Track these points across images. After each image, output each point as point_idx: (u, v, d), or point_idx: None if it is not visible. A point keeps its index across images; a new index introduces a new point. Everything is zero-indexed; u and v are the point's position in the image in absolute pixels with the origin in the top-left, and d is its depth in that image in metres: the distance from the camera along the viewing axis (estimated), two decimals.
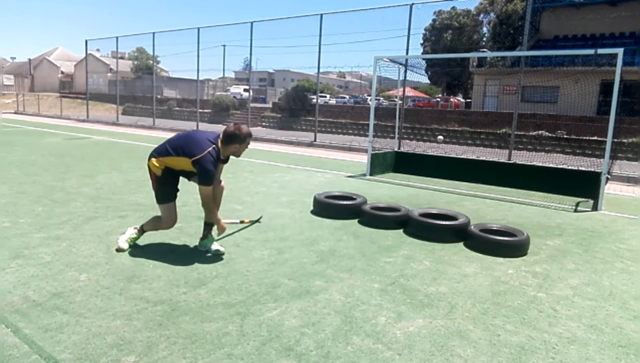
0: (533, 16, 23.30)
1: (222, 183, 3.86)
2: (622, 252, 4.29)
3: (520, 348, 2.41)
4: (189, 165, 3.44)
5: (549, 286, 3.32)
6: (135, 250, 3.69)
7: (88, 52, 28.26)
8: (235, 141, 3.49)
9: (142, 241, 3.87)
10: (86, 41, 27.11)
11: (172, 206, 3.66)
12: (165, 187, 3.62)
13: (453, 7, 35.75)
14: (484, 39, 35.92)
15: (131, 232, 3.76)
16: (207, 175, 3.39)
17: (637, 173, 10.27)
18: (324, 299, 2.91)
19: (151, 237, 4.02)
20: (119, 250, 3.64)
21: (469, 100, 29.27)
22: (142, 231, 3.78)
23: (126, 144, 12.91)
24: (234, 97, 31.11)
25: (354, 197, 5.39)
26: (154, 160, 3.56)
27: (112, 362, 2.13)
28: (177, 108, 30.29)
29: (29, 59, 56.97)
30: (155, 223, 3.76)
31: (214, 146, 3.45)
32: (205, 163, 3.37)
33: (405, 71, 12.17)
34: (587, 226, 5.29)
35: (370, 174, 8.55)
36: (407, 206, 5.18)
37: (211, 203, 3.55)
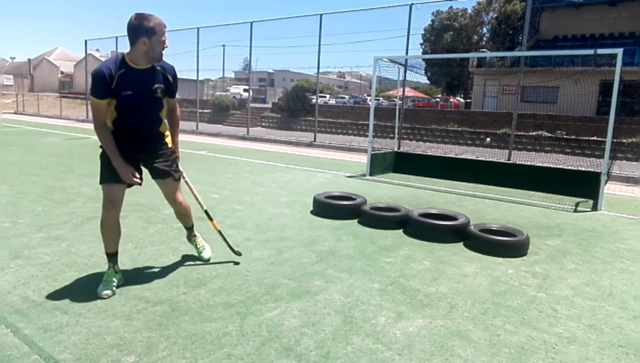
0: (532, 16, 23.29)
1: (182, 201, 3.16)
2: (621, 252, 4.29)
3: (520, 348, 2.41)
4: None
5: (548, 286, 3.32)
6: (135, 250, 3.69)
7: (87, 52, 28.21)
8: (140, 33, 2.64)
9: (142, 242, 3.87)
10: (86, 41, 27.16)
11: (116, 188, 2.82)
12: (106, 163, 2.82)
13: (451, 7, 35.76)
14: (484, 39, 35.94)
15: (105, 275, 2.91)
16: (92, 81, 2.64)
17: (637, 173, 10.27)
18: (324, 299, 2.91)
19: (151, 237, 4.03)
20: (105, 296, 2.77)
21: (469, 100, 29.30)
22: (110, 256, 2.95)
23: None
24: (234, 97, 31.12)
25: (354, 197, 5.39)
26: None
27: (112, 362, 2.13)
28: None
29: (29, 59, 56.92)
30: (105, 228, 2.88)
31: (117, 54, 2.75)
32: (95, 69, 2.66)
33: (405, 71, 12.17)
34: (587, 226, 5.29)
35: (370, 175, 8.55)
36: (407, 206, 5.18)
37: (99, 127, 2.71)
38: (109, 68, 2.64)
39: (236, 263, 3.48)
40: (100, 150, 2.84)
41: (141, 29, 2.64)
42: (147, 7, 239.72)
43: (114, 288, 2.83)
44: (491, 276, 3.47)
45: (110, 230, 2.89)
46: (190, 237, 3.54)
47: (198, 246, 3.52)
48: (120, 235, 2.98)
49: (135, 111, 2.81)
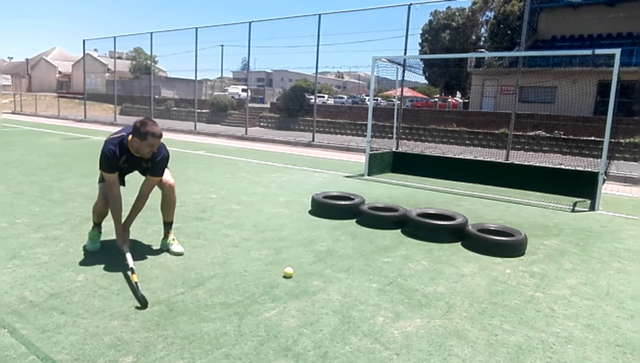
0: (531, 16, 23.36)
1: (170, 183, 3.63)
2: (619, 252, 4.30)
3: (517, 348, 2.41)
4: None
5: (546, 286, 3.33)
6: (133, 250, 3.68)
7: (86, 52, 28.18)
8: (135, 134, 3.23)
9: (140, 242, 3.87)
10: (84, 41, 27.03)
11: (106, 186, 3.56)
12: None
13: (449, 7, 35.77)
14: (482, 39, 35.98)
15: (93, 235, 3.71)
16: (105, 161, 3.28)
17: (635, 172, 10.30)
18: (322, 299, 2.91)
19: (149, 237, 4.02)
20: (94, 250, 3.63)
21: (467, 100, 29.31)
22: (96, 224, 3.71)
23: None
24: (232, 97, 31.08)
25: (352, 197, 5.39)
26: None
27: (110, 362, 2.12)
28: (175, 108, 30.26)
29: (27, 59, 56.83)
30: (94, 209, 3.67)
31: (123, 134, 3.32)
32: (104, 145, 3.29)
33: (404, 71, 12.17)
34: (585, 226, 5.30)
35: (368, 174, 8.56)
36: (405, 206, 5.18)
37: (111, 197, 3.39)
38: (116, 154, 3.28)
39: (234, 264, 3.48)
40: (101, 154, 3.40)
41: (137, 131, 3.21)
42: (148, 7, 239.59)
43: (99, 245, 3.69)
44: (489, 276, 3.48)
45: (101, 212, 3.65)
46: (166, 235, 3.74)
47: (168, 242, 3.71)
48: (107, 215, 3.63)
49: (129, 170, 3.60)
